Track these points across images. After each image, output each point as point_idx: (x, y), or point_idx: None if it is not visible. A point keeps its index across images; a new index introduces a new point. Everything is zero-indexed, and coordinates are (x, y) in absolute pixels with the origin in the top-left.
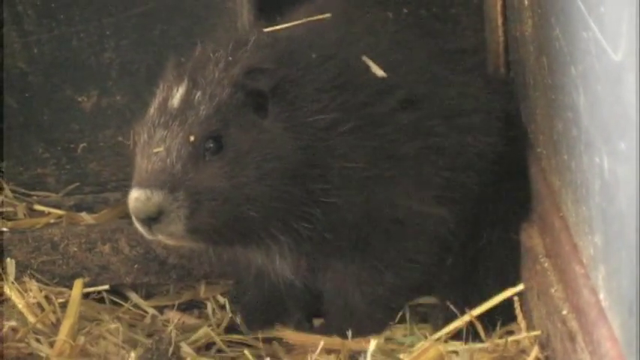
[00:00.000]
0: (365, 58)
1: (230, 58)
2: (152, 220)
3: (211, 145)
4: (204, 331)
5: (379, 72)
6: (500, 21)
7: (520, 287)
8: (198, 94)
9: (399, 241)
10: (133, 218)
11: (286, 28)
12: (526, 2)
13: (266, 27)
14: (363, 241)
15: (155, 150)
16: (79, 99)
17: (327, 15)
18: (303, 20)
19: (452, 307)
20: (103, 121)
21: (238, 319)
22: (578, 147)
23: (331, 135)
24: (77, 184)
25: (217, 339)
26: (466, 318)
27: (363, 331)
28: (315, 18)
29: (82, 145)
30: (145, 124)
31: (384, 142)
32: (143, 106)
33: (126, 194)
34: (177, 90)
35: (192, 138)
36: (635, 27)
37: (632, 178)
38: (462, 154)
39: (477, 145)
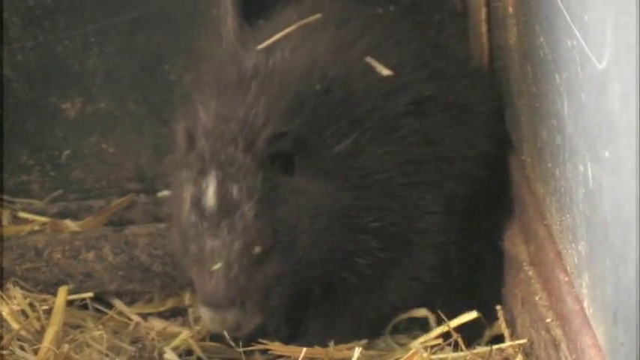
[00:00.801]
0: (369, 59)
1: (247, 131)
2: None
3: (269, 240)
4: (183, 339)
5: (386, 71)
6: (484, 29)
7: (473, 315)
8: (234, 188)
9: (408, 257)
10: None
11: (278, 39)
12: (510, 10)
13: (255, 37)
14: (379, 260)
15: (214, 268)
16: (64, 106)
17: (319, 16)
18: (294, 26)
19: (442, 316)
20: (87, 129)
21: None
22: (562, 155)
23: (356, 156)
24: (61, 191)
25: (196, 347)
26: (444, 329)
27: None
28: (306, 21)
29: (66, 152)
30: (185, 224)
31: (400, 146)
32: (127, 113)
33: (109, 201)
34: (208, 185)
35: (257, 249)
36: (620, 35)
37: (616, 186)
38: (461, 161)
39: (482, 145)
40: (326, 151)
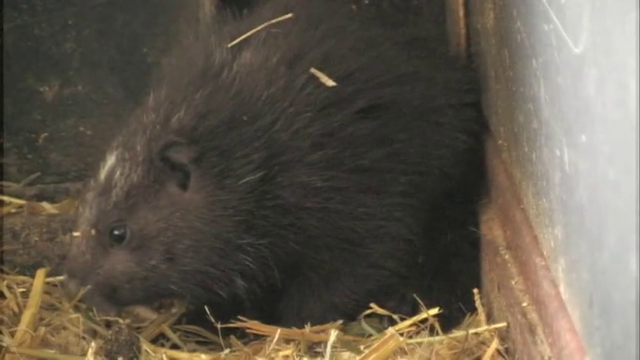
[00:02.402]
0: (314, 70)
1: (158, 127)
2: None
3: (115, 233)
4: (156, 323)
5: (330, 82)
6: (461, 13)
7: (434, 311)
8: (118, 173)
9: (360, 249)
10: None
11: (249, 35)
12: None
13: (229, 31)
14: (325, 251)
15: (75, 234)
16: (41, 89)
17: (290, 15)
18: (267, 23)
19: (418, 300)
20: (64, 111)
21: (207, 309)
22: (539, 139)
23: (258, 188)
24: (38, 173)
25: (170, 332)
26: (423, 315)
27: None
28: (277, 20)
29: (43, 135)
30: (84, 189)
31: (340, 155)
32: (105, 96)
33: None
34: (107, 162)
35: (93, 232)
36: (596, 20)
37: (592, 170)
38: (426, 156)
39: (451, 144)
40: (231, 181)
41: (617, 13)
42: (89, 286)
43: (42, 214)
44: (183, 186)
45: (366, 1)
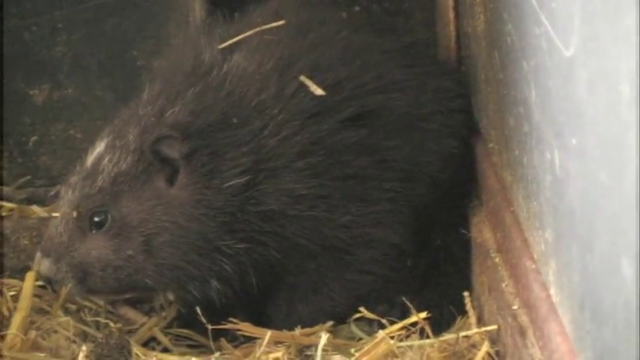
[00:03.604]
0: (303, 78)
1: (153, 119)
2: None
3: (96, 219)
4: (147, 327)
5: (318, 91)
6: (452, 16)
7: (424, 314)
8: (106, 159)
9: (347, 256)
10: None
11: (239, 40)
12: None
13: (220, 33)
14: (311, 258)
15: (54, 214)
16: (31, 92)
17: (282, 22)
18: (257, 29)
19: (408, 303)
20: (54, 115)
21: (198, 310)
22: (530, 142)
23: (242, 192)
24: (28, 177)
25: (161, 336)
26: (414, 319)
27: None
28: (269, 26)
29: (33, 139)
30: (70, 173)
31: (326, 162)
32: (95, 99)
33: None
34: (95, 148)
35: (74, 214)
36: (586, 23)
37: (583, 173)
38: (415, 163)
39: (440, 149)
40: (217, 182)
41: (608, 17)
42: (70, 284)
43: (32, 218)
44: (171, 181)
45: (357, 8)
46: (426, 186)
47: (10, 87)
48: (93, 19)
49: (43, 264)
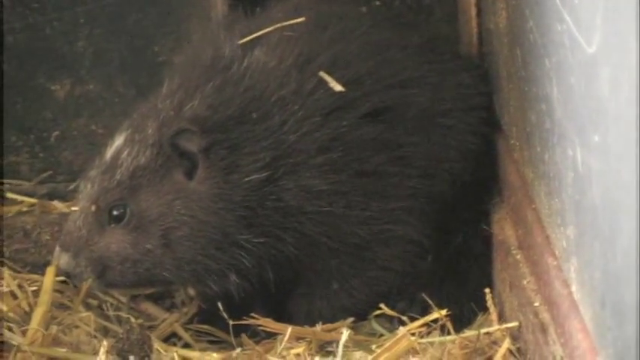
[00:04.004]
0: (322, 74)
1: (172, 113)
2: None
3: (114, 213)
4: (169, 322)
5: (338, 87)
6: (474, 12)
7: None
8: (125, 153)
9: (367, 253)
10: None
11: (259, 35)
12: None
13: (240, 28)
14: (330, 255)
15: (73, 208)
16: (53, 87)
17: (302, 19)
18: (276, 26)
19: (428, 300)
20: (76, 110)
21: (220, 306)
22: (552, 139)
23: (262, 188)
24: (50, 172)
25: (182, 331)
26: (435, 315)
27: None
28: (288, 23)
29: (55, 134)
30: (89, 167)
31: (345, 159)
32: (116, 94)
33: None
34: (114, 142)
35: (93, 208)
36: (609, 20)
37: (605, 170)
38: (435, 159)
39: (459, 146)
40: (236, 177)
41: (631, 13)
42: (90, 278)
43: (53, 213)
44: (189, 175)
45: (377, 2)
46: (445, 183)
47: (32, 82)
48: (114, 14)
49: (62, 258)
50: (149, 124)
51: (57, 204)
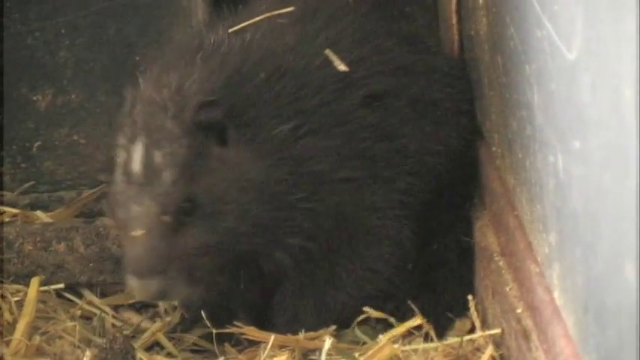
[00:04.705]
0: (328, 52)
1: (178, 98)
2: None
3: (184, 210)
4: (152, 332)
5: (342, 67)
6: (454, 20)
7: (418, 321)
8: (157, 154)
9: (363, 248)
10: None
11: (249, 24)
12: (480, 1)
13: (225, 24)
14: (330, 249)
15: (134, 234)
16: (34, 97)
17: (290, 9)
18: (266, 15)
19: (412, 306)
20: (58, 120)
21: (203, 314)
22: (533, 146)
23: (294, 142)
24: (32, 182)
25: (165, 341)
26: (417, 322)
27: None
28: (278, 12)
29: (37, 144)
30: (115, 190)
31: (349, 140)
32: (98, 104)
33: (80, 193)
34: (135, 150)
35: (166, 218)
36: (589, 26)
37: (586, 176)
38: (424, 154)
39: (448, 141)
40: (265, 130)
41: (611, 19)
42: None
43: (36, 223)
44: (224, 142)
45: None
46: (427, 182)
47: (14, 92)
48: (96, 24)
49: (151, 285)
50: (162, 118)
51: (39, 214)
